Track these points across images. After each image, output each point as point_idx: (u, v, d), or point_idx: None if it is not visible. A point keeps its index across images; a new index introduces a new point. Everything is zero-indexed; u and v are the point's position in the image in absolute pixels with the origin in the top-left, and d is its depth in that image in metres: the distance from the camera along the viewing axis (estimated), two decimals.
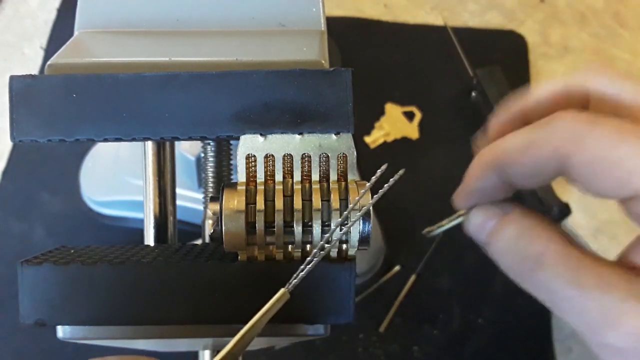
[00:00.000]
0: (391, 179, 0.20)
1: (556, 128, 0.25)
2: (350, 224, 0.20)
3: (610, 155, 0.23)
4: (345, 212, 0.20)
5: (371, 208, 0.20)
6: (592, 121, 0.24)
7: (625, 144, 0.23)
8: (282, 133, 0.20)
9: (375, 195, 0.20)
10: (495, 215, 0.27)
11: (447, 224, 0.30)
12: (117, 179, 0.49)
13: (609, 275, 0.24)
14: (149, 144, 0.28)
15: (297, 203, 0.20)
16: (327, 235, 0.20)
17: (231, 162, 0.31)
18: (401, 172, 0.20)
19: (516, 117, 0.27)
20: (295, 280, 0.19)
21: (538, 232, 0.26)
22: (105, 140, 0.20)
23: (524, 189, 0.27)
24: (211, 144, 0.31)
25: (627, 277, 0.24)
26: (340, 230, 0.20)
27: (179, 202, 0.30)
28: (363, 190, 0.20)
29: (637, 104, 0.25)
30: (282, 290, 0.19)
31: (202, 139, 0.21)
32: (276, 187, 0.20)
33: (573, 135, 0.24)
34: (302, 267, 0.19)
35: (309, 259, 0.20)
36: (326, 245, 0.20)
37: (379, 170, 0.20)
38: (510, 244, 0.26)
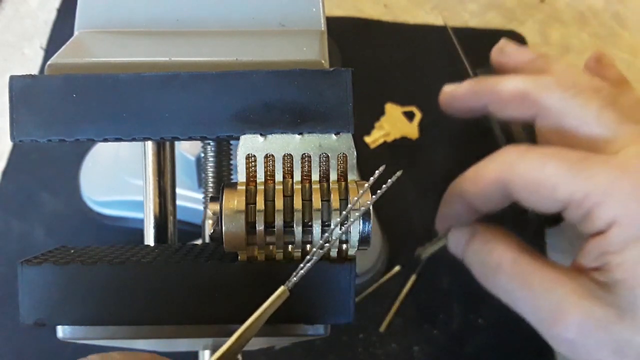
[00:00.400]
0: (389, 179, 0.20)
1: (495, 160, 0.30)
2: (350, 222, 0.20)
3: (537, 176, 0.28)
4: (345, 211, 0.20)
5: (371, 208, 0.20)
6: (523, 151, 0.29)
7: (548, 165, 0.28)
8: (282, 133, 0.20)
9: (374, 195, 0.20)
10: (465, 234, 0.32)
11: (434, 246, 0.35)
12: (117, 179, 0.49)
13: (555, 276, 0.28)
14: (149, 144, 0.28)
15: (297, 203, 0.20)
16: (327, 233, 0.20)
17: (231, 162, 0.31)
18: (399, 173, 0.20)
19: None
20: (295, 278, 0.19)
21: (495, 245, 0.30)
22: (105, 140, 0.21)
23: (489, 212, 0.32)
24: (211, 144, 0.31)
25: (571, 276, 0.28)
26: (340, 229, 0.20)
27: (179, 202, 0.30)
28: (362, 190, 0.20)
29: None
30: (281, 288, 0.19)
31: (202, 139, 0.21)
32: (276, 187, 0.20)
33: (509, 164, 0.29)
34: (301, 265, 0.19)
35: (308, 257, 0.20)
36: (326, 243, 0.20)
37: (377, 171, 0.20)
38: (476, 256, 0.31)
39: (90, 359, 0.18)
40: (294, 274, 0.19)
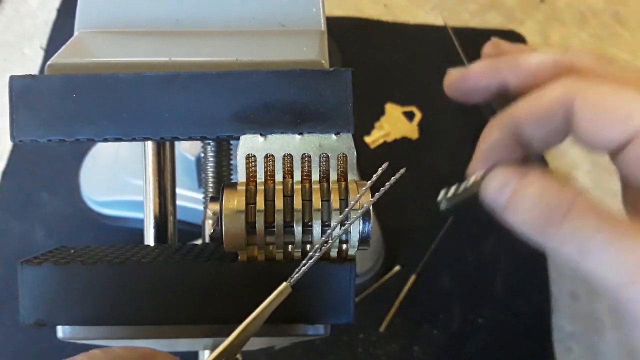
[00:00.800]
0: (392, 177, 0.20)
1: (563, 82, 0.26)
2: (352, 220, 0.20)
3: (612, 98, 0.25)
4: (346, 210, 0.20)
5: (371, 208, 0.20)
6: (596, 77, 0.26)
7: (625, 90, 0.25)
8: (282, 133, 0.20)
9: (376, 194, 0.20)
10: (515, 174, 0.26)
11: (461, 193, 0.27)
12: (117, 179, 0.49)
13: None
14: (149, 144, 0.28)
15: (297, 203, 0.20)
16: (329, 231, 0.20)
17: (231, 162, 0.31)
18: (402, 170, 0.20)
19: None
20: (297, 275, 0.19)
21: (563, 186, 0.25)
22: (105, 140, 0.20)
23: (535, 151, 0.27)
24: (211, 144, 0.31)
25: None
26: (342, 226, 0.20)
27: (179, 202, 0.30)
28: (364, 188, 0.20)
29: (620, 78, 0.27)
30: (283, 284, 0.19)
31: (202, 139, 0.21)
32: (276, 187, 0.20)
33: (578, 85, 0.25)
34: (303, 262, 0.19)
35: (311, 253, 0.20)
36: (328, 240, 0.20)
37: (380, 169, 0.20)
38: (535, 198, 0.25)
39: (93, 353, 0.18)
40: (296, 270, 0.19)
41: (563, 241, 0.24)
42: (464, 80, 0.30)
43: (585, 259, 0.24)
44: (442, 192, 0.27)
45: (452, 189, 0.27)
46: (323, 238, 0.20)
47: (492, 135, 0.27)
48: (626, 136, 0.25)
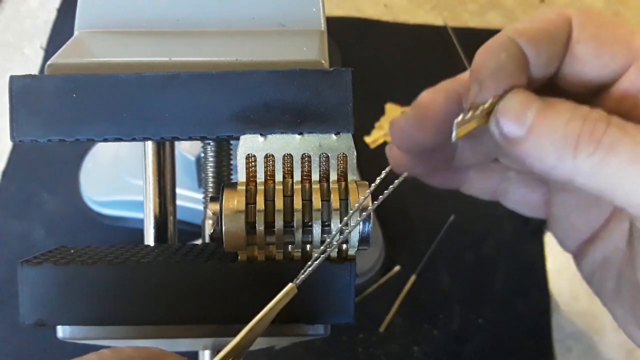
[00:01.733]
0: (396, 181, 0.20)
1: (560, 7, 0.24)
2: (355, 223, 0.20)
3: (612, 21, 0.23)
4: (351, 211, 0.20)
5: (371, 208, 0.20)
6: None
7: (621, 20, 0.24)
8: (282, 133, 0.20)
9: (379, 197, 0.20)
10: (537, 98, 0.22)
11: (470, 121, 0.23)
12: (117, 179, 0.49)
13: None
14: (149, 144, 0.28)
15: (297, 203, 0.20)
16: (334, 232, 0.20)
17: (231, 162, 0.31)
18: (404, 174, 0.20)
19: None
20: (302, 276, 0.19)
21: (591, 109, 0.21)
22: (105, 140, 0.21)
23: (534, 83, 0.24)
24: (211, 144, 0.31)
25: None
26: (348, 226, 0.20)
27: (179, 202, 0.30)
28: (368, 191, 0.20)
29: None
30: (289, 285, 0.19)
31: (202, 139, 0.21)
32: (276, 187, 0.20)
33: (576, 9, 0.23)
34: (309, 263, 0.20)
35: (317, 254, 0.20)
36: (334, 242, 0.20)
37: (383, 172, 0.20)
38: (565, 123, 0.21)
39: (102, 352, 0.18)
40: (302, 271, 0.20)
41: (595, 172, 0.21)
42: (490, 71, 0.24)
43: (614, 189, 0.21)
44: (455, 121, 0.22)
45: (461, 117, 0.22)
46: (328, 240, 0.20)
47: (499, 54, 0.23)
48: (628, 58, 0.23)
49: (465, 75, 0.27)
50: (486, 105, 0.22)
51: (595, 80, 0.24)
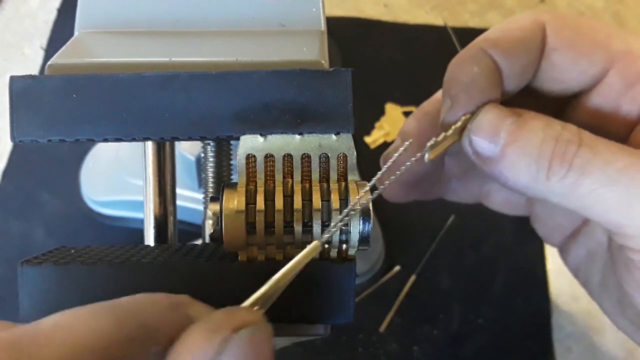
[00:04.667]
0: (392, 177, 0.20)
1: (533, 11, 0.23)
2: (366, 201, 0.20)
3: (588, 24, 0.22)
4: (356, 201, 0.20)
5: (371, 208, 0.20)
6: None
7: (596, 21, 0.23)
8: (282, 133, 0.20)
9: (375, 191, 0.20)
10: (510, 114, 0.21)
11: (444, 141, 0.22)
12: (117, 179, 0.49)
13: None
14: (149, 144, 0.28)
15: (297, 203, 0.20)
16: (350, 206, 0.20)
17: (231, 162, 0.31)
18: (404, 167, 0.20)
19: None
20: (326, 235, 0.19)
21: (565, 125, 0.21)
22: (105, 140, 0.21)
23: (508, 94, 0.23)
24: (211, 144, 0.31)
25: None
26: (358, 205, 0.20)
27: (179, 202, 0.30)
28: (375, 181, 0.20)
29: None
30: (315, 242, 0.19)
31: (202, 139, 0.21)
32: (276, 187, 0.20)
33: (550, 13, 0.23)
34: (334, 223, 0.20)
35: (344, 212, 0.20)
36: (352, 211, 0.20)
37: (379, 172, 0.20)
38: (539, 142, 0.20)
39: (136, 296, 0.16)
40: (329, 229, 0.20)
41: (568, 193, 0.20)
42: (461, 87, 0.23)
43: (592, 209, 0.20)
44: (428, 144, 0.22)
45: (433, 139, 0.22)
46: (347, 210, 0.20)
47: (470, 68, 0.22)
48: (606, 62, 0.22)
49: (439, 94, 0.27)
50: (459, 123, 0.22)
51: (573, 86, 0.23)
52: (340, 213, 0.20)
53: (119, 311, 0.15)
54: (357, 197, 0.20)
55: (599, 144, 0.21)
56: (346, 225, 0.20)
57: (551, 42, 0.22)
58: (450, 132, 0.22)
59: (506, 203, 0.32)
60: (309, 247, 0.19)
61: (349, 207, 0.20)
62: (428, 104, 0.27)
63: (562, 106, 0.25)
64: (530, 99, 0.24)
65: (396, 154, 0.20)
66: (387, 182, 0.20)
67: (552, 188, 0.21)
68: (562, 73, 0.23)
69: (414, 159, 0.20)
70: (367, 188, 0.20)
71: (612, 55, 0.22)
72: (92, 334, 0.15)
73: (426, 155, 0.22)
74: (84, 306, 0.16)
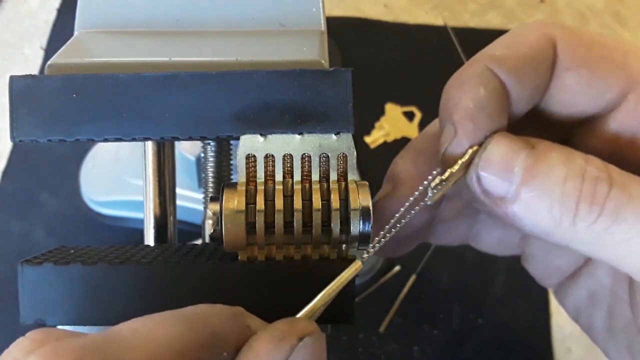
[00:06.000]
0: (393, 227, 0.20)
1: (540, 22, 0.20)
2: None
3: (603, 40, 0.20)
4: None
5: (371, 208, 0.20)
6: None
7: (616, 39, 0.20)
8: (282, 133, 0.20)
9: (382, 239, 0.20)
10: (524, 145, 0.18)
11: (447, 181, 0.19)
12: (117, 179, 0.49)
13: None
14: (149, 144, 0.28)
15: (297, 203, 0.20)
16: (394, 219, 0.20)
17: (231, 162, 0.31)
18: (409, 216, 0.20)
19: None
20: (366, 255, 0.20)
21: (588, 158, 0.18)
22: (105, 140, 0.20)
23: (513, 118, 0.20)
24: (211, 144, 0.31)
25: None
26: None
27: (179, 202, 0.30)
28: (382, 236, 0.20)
29: None
30: (356, 262, 0.20)
31: (202, 139, 0.21)
32: (276, 187, 0.20)
33: (559, 26, 0.20)
34: (377, 238, 0.20)
35: (382, 234, 0.20)
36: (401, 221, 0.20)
37: (384, 231, 0.21)
38: (560, 170, 0.17)
39: (199, 306, 0.18)
40: (371, 245, 0.20)
41: (597, 241, 0.17)
42: (466, 113, 0.19)
43: (624, 259, 0.18)
44: (430, 184, 0.19)
45: (438, 178, 0.20)
46: (393, 220, 0.20)
47: (476, 90, 0.19)
48: (625, 85, 0.19)
49: (433, 129, 0.23)
50: (465, 157, 0.19)
51: (586, 111, 0.20)
52: (341, 213, 0.20)
53: (190, 319, 0.16)
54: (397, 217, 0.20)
55: (631, 183, 0.18)
56: (347, 225, 0.20)
57: (563, 60, 0.19)
58: (456, 167, 0.19)
59: (498, 244, 0.28)
60: (349, 268, 0.20)
61: (393, 220, 0.20)
62: (419, 142, 0.23)
63: (568, 131, 0.22)
64: (531, 124, 0.21)
65: (407, 203, 0.19)
66: (388, 235, 0.20)
67: (578, 235, 0.18)
68: (574, 96, 0.20)
69: (417, 206, 0.19)
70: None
71: (631, 78, 0.19)
72: (170, 340, 0.15)
73: (429, 198, 0.19)
74: (152, 315, 0.17)
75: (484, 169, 0.18)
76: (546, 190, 0.18)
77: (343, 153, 0.21)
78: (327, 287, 0.19)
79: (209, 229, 0.24)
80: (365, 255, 0.20)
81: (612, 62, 0.19)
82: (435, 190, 0.19)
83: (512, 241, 0.27)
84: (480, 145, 0.19)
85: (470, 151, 0.19)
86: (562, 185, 0.17)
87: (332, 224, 0.20)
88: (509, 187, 0.18)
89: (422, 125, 0.56)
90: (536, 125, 0.21)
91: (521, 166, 0.18)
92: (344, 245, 0.21)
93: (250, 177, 0.21)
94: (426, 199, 0.19)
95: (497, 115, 0.19)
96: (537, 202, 0.18)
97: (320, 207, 0.20)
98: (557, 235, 0.18)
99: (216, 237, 0.23)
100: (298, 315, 0.19)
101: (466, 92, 0.19)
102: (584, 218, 0.17)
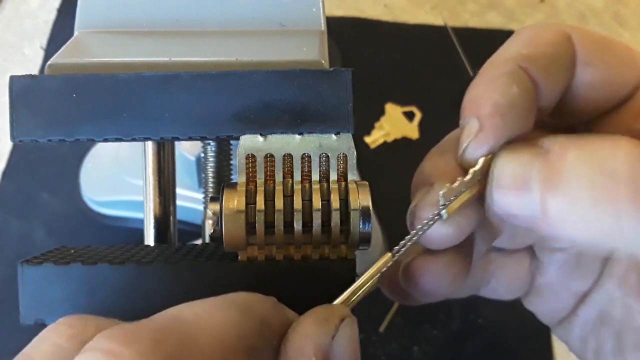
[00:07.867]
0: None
1: (554, 22, 0.21)
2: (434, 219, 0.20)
3: (609, 39, 0.20)
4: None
5: (371, 208, 0.20)
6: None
7: (616, 40, 0.20)
8: (282, 133, 0.20)
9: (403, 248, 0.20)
10: (534, 152, 0.17)
11: (462, 194, 0.18)
12: (117, 179, 0.49)
13: None
14: (149, 144, 0.28)
15: (297, 203, 0.20)
16: (434, 214, 0.20)
17: (231, 162, 0.31)
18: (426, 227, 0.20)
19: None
20: (403, 249, 0.20)
21: (616, 142, 0.17)
22: (105, 140, 0.20)
23: (548, 105, 0.20)
24: (211, 144, 0.31)
25: None
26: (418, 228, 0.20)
27: (179, 202, 0.30)
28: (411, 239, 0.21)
29: None
30: (387, 254, 0.20)
31: (202, 139, 0.21)
32: (276, 187, 0.20)
33: (572, 26, 0.20)
34: (408, 237, 0.20)
35: (413, 232, 0.20)
36: (430, 222, 0.20)
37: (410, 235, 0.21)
38: (583, 173, 0.15)
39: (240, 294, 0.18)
40: (403, 243, 0.20)
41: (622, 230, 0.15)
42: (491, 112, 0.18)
43: None
44: (440, 192, 0.18)
45: (446, 185, 0.18)
46: (435, 212, 0.20)
47: (508, 87, 0.18)
48: (637, 80, 0.19)
49: (456, 133, 0.22)
50: (477, 167, 0.17)
51: (602, 106, 0.20)
52: (341, 213, 0.20)
53: (241, 305, 0.17)
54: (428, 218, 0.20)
55: None
56: (347, 225, 0.20)
57: (582, 56, 0.19)
58: (468, 177, 0.17)
59: (509, 283, 0.26)
60: (380, 260, 0.20)
61: (422, 224, 0.20)
62: (442, 144, 0.23)
63: (582, 128, 0.22)
64: (545, 124, 0.21)
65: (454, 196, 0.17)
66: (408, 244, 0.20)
67: (626, 233, 0.16)
68: (592, 92, 0.20)
69: (431, 216, 0.18)
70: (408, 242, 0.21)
71: None
72: (230, 325, 0.16)
73: (443, 211, 0.18)
74: (206, 299, 0.16)
75: (498, 192, 0.18)
76: (575, 200, 0.16)
77: (343, 153, 0.21)
78: (362, 278, 0.20)
79: (209, 229, 0.24)
80: (397, 248, 0.20)
81: (623, 57, 0.20)
82: (447, 202, 0.18)
83: (523, 275, 0.26)
84: (494, 154, 0.18)
85: (482, 160, 0.18)
86: (591, 189, 0.16)
87: (332, 224, 0.20)
88: (531, 206, 0.17)
89: (422, 125, 0.56)
90: (551, 125, 0.21)
91: (537, 180, 0.16)
92: (343, 245, 0.21)
93: (250, 177, 0.21)
94: (440, 212, 0.19)
95: (526, 115, 0.18)
96: (569, 215, 0.16)
97: (320, 207, 0.20)
98: (607, 240, 0.16)
99: (216, 237, 0.23)
100: (336, 301, 0.20)
101: (497, 89, 0.18)
102: (632, 217, 0.15)
